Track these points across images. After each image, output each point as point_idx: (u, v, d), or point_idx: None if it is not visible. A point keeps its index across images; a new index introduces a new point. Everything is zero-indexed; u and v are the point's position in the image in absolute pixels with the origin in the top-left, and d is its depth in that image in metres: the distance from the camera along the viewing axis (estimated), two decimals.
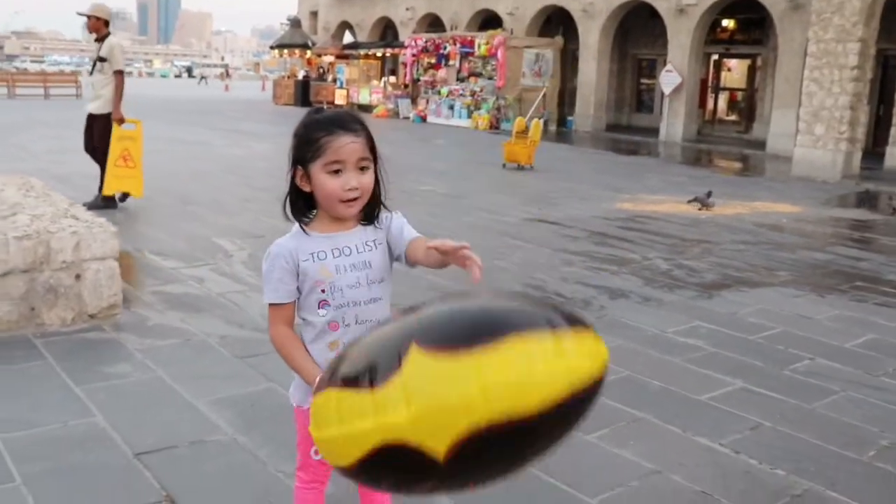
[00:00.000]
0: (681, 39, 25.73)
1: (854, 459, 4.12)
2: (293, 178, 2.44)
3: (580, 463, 3.95)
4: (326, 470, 2.70)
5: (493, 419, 1.45)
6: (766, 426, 4.47)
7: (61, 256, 5.57)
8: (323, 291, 2.44)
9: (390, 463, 1.48)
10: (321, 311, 2.46)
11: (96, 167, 10.20)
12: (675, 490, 3.73)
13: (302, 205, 2.48)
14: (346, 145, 2.34)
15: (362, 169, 2.39)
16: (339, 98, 35.22)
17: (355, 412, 1.52)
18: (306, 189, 2.43)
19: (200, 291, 6.67)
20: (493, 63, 29.28)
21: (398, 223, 2.55)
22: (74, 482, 3.60)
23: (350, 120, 2.40)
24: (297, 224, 2.50)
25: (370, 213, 2.51)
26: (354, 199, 2.40)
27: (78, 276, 5.63)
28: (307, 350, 2.49)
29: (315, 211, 2.49)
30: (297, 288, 2.47)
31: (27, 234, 5.51)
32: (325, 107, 2.59)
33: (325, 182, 2.37)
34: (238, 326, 5.83)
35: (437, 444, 1.44)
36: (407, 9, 37.67)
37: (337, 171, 2.36)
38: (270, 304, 2.48)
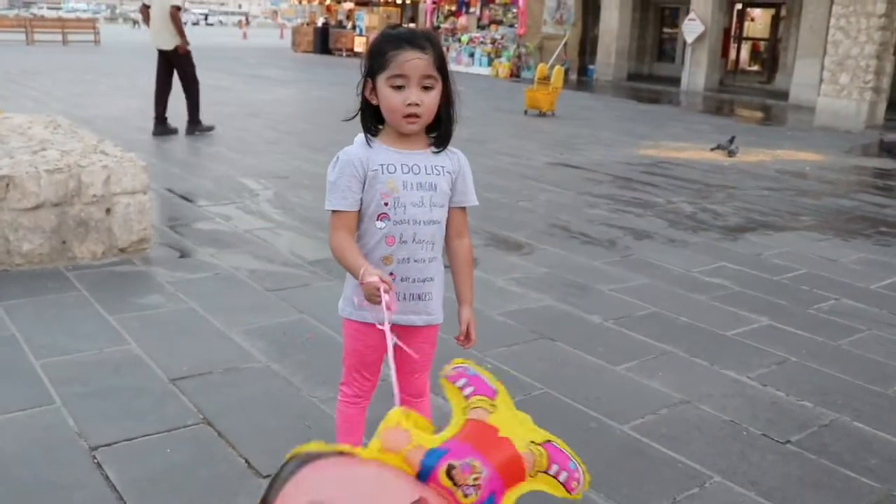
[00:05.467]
0: None
1: (880, 393, 4.15)
2: (363, 90, 2.47)
3: (611, 392, 4.00)
4: (371, 387, 2.75)
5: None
6: (792, 361, 4.51)
7: (92, 190, 5.61)
8: (386, 205, 2.45)
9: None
10: (380, 224, 2.47)
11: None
12: (703, 418, 3.77)
13: (371, 118, 2.51)
14: (411, 60, 2.35)
15: (426, 88, 2.40)
16: (359, 45, 34.96)
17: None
18: (374, 102, 2.45)
19: (228, 228, 6.72)
20: (514, 10, 28.99)
21: (468, 179, 2.60)
22: (112, 404, 3.67)
23: (420, 37, 2.40)
24: (363, 135, 2.51)
25: (441, 137, 2.53)
26: (417, 116, 2.41)
27: (108, 210, 5.68)
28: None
29: (382, 126, 2.52)
30: (361, 198, 2.48)
31: (58, 167, 5.55)
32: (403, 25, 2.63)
33: (388, 95, 2.39)
34: (267, 261, 5.88)
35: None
36: None
37: (400, 87, 2.37)
38: (333, 211, 2.48)
